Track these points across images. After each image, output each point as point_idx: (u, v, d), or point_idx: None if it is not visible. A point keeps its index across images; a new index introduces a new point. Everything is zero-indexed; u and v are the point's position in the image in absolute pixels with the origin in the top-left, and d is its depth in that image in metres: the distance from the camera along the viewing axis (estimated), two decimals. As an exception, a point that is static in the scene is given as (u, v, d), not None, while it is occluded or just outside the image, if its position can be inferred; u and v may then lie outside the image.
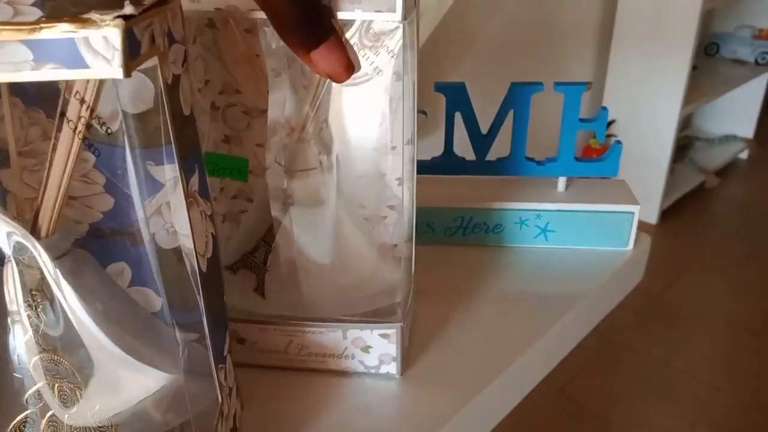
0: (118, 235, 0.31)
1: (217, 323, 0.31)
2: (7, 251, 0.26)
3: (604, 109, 0.49)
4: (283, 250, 0.37)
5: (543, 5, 0.61)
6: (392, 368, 0.38)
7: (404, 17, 0.30)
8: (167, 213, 0.29)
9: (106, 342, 0.27)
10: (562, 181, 0.51)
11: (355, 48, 0.33)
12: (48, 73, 0.22)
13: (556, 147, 0.50)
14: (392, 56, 0.33)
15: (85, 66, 0.22)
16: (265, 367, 0.39)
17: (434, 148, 0.50)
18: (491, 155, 0.50)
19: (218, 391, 0.31)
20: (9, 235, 0.26)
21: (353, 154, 0.39)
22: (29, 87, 0.28)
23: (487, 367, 0.40)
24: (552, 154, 0.50)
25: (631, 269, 0.52)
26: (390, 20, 0.31)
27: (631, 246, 0.51)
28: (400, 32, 0.32)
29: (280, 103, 0.36)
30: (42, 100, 0.28)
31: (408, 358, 0.39)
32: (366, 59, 0.33)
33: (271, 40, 0.35)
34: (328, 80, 0.34)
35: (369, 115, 0.38)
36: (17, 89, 0.28)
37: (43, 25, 0.21)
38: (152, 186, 0.29)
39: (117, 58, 0.21)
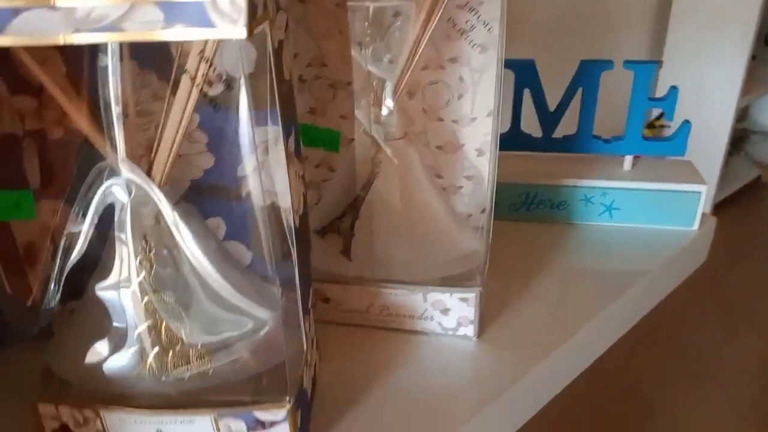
0: (215, 192, 0.33)
1: (304, 277, 0.33)
2: (125, 199, 0.29)
3: (674, 88, 0.49)
4: (369, 216, 0.39)
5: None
6: (469, 330, 0.40)
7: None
8: (265, 172, 0.31)
9: (219, 280, 0.29)
10: (628, 160, 0.52)
11: (451, 20, 0.34)
12: (178, 33, 0.24)
13: (622, 126, 0.51)
14: (488, 29, 0.34)
15: (212, 26, 0.24)
16: (347, 325, 0.41)
17: (501, 124, 0.51)
18: (558, 132, 0.51)
19: (304, 341, 0.33)
20: (129, 182, 0.29)
21: (434, 125, 0.41)
22: (144, 50, 0.30)
23: (552, 337, 0.41)
24: (617, 132, 0.51)
25: (695, 249, 0.53)
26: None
27: (696, 226, 0.52)
28: (498, 5, 0.33)
29: (365, 76, 0.38)
30: (154, 62, 0.31)
31: (483, 322, 0.41)
32: (458, 31, 0.35)
33: (358, 15, 0.37)
34: (417, 55, 0.36)
35: (451, 88, 0.39)
36: (132, 52, 0.31)
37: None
38: (252, 146, 0.31)
39: (242, 19, 0.23)
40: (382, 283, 0.39)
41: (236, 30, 0.23)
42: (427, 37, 0.36)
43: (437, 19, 0.35)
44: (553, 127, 0.51)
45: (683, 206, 0.51)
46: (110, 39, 0.23)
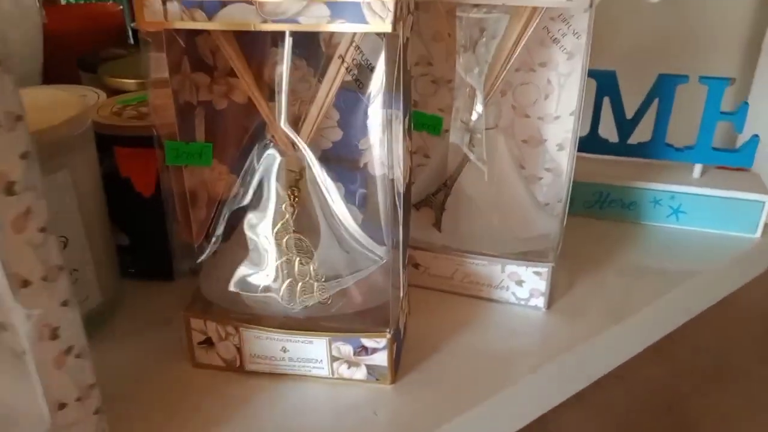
0: (339, 161, 0.40)
1: (405, 238, 0.40)
2: (279, 157, 0.36)
3: (746, 103, 0.53)
4: (459, 194, 0.45)
5: (688, 6, 0.65)
6: (540, 302, 0.45)
7: (591, 4, 0.37)
8: (382, 146, 0.38)
9: (345, 225, 0.36)
10: (698, 168, 0.56)
11: (546, 28, 0.41)
12: (339, 26, 0.31)
13: (693, 136, 0.55)
14: (576, 37, 0.40)
15: (365, 22, 0.31)
16: (433, 290, 0.47)
17: (580, 127, 0.57)
18: (633, 139, 0.56)
19: (401, 290, 0.40)
20: (283, 145, 0.36)
21: (521, 121, 0.47)
22: (299, 40, 0.38)
23: (611, 317, 0.46)
24: (688, 142, 0.56)
25: (756, 255, 0.56)
26: (578, 7, 0.38)
27: (758, 234, 0.55)
28: (586, 16, 0.39)
29: (465, 74, 0.45)
30: (306, 51, 0.38)
31: (553, 294, 0.46)
32: (551, 38, 0.41)
33: (464, 21, 0.44)
34: (514, 56, 0.42)
35: (539, 88, 0.45)
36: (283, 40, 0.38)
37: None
38: (374, 124, 0.38)
39: (389, 17, 0.30)
40: (466, 253, 0.45)
41: (384, 25, 0.30)
42: (522, 44, 0.42)
43: (532, 28, 0.41)
44: (629, 133, 0.56)
45: (747, 214, 0.55)
46: (288, 29, 0.31)
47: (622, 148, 0.57)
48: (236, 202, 0.38)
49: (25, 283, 0.26)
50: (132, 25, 0.92)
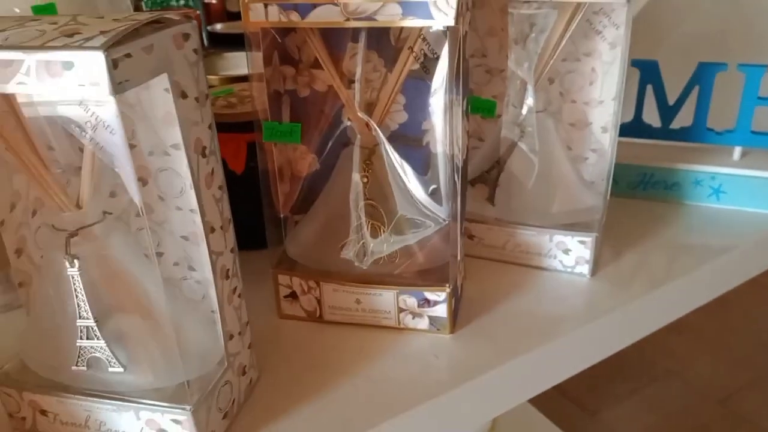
0: (404, 141, 0.46)
1: (462, 209, 0.45)
2: (354, 138, 0.43)
3: (783, 88, 0.57)
4: (510, 171, 0.50)
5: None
6: (585, 269, 0.50)
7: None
8: (443, 127, 0.44)
9: (414, 192, 0.42)
10: (737, 150, 0.60)
11: (588, 21, 0.46)
12: (409, 22, 0.37)
13: (734, 120, 0.59)
14: (616, 28, 0.45)
15: (431, 18, 0.37)
16: (486, 259, 0.53)
17: (624, 115, 0.61)
18: (675, 124, 0.60)
19: (458, 253, 0.45)
20: (359, 125, 0.42)
21: (568, 106, 0.52)
22: (372, 35, 0.44)
23: (652, 283, 0.50)
24: (729, 126, 0.59)
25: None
26: (618, 3, 0.43)
27: (797, 212, 0.58)
28: (625, 9, 0.44)
29: (516, 68, 0.50)
30: (376, 45, 0.44)
31: (597, 263, 0.51)
32: (594, 31, 0.46)
33: (515, 17, 0.49)
34: (560, 47, 0.47)
35: (584, 75, 0.50)
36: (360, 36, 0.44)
37: (419, -8, 0.36)
38: (437, 107, 0.43)
39: (452, 13, 0.36)
40: (517, 225, 0.51)
41: (448, 20, 0.36)
42: (567, 36, 0.47)
43: (576, 22, 0.46)
44: (671, 118, 0.60)
45: (786, 193, 0.58)
46: (367, 25, 0.37)
47: (664, 133, 0.61)
48: (317, 176, 0.44)
49: (212, 230, 0.34)
50: (208, 28, 1.00)
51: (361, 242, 0.44)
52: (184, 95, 0.30)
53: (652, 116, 0.61)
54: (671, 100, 0.59)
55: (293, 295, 0.46)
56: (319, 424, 0.38)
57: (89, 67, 0.25)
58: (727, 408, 1.44)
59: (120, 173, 0.29)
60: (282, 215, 0.47)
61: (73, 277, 0.32)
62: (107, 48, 0.25)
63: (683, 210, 0.61)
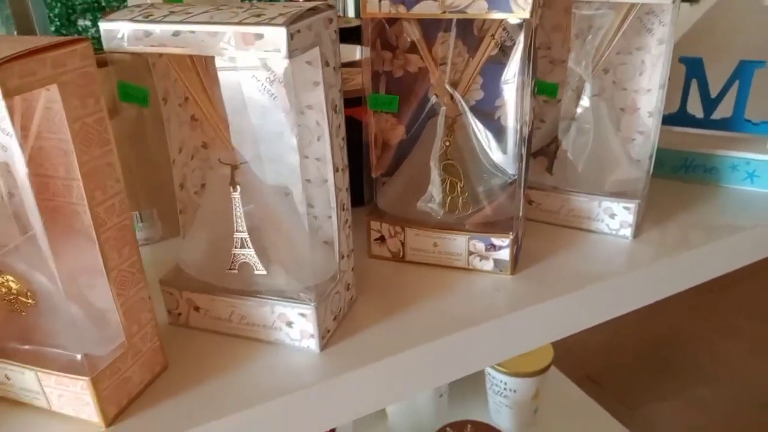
0: (480, 115, 0.56)
1: (526, 173, 0.54)
2: (441, 106, 0.53)
3: (815, 85, 0.64)
4: (567, 145, 0.59)
5: None
6: (628, 232, 0.59)
7: (674, 0, 0.51)
8: (513, 103, 0.53)
9: (489, 153, 0.52)
10: (772, 140, 0.67)
11: (640, 19, 0.55)
12: (493, 15, 0.47)
13: (771, 113, 0.66)
14: (663, 26, 0.54)
15: (511, 11, 0.46)
16: (542, 222, 0.62)
17: (670, 107, 0.69)
18: (716, 115, 0.68)
19: (521, 209, 0.54)
20: (445, 99, 0.52)
21: (619, 93, 0.60)
22: (459, 25, 0.53)
23: (686, 245, 0.58)
24: (765, 117, 0.67)
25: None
26: (665, 3, 0.52)
27: (825, 196, 0.65)
28: (671, 9, 0.53)
29: (577, 57, 0.59)
30: (461, 33, 0.53)
31: (639, 228, 0.59)
32: (646, 29, 0.55)
33: (577, 16, 0.58)
34: (614, 42, 0.56)
35: (635, 67, 0.59)
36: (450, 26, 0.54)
37: (504, -8, 0.45)
38: (509, 87, 0.53)
39: (529, 8, 0.46)
40: (571, 191, 0.60)
41: (525, 14, 0.45)
42: (621, 33, 0.56)
43: (629, 21, 0.55)
44: (713, 110, 0.68)
45: (815, 179, 0.65)
46: (460, 17, 0.47)
47: (707, 123, 0.68)
48: (404, 144, 0.54)
49: (336, 170, 0.44)
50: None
51: (441, 195, 0.53)
52: (327, 64, 0.41)
53: (695, 107, 0.69)
54: (713, 93, 0.67)
55: (381, 239, 0.56)
56: (402, 335, 0.47)
57: (275, 38, 0.36)
58: (769, 412, 1.48)
59: (285, 119, 0.40)
60: (374, 176, 0.57)
61: (234, 199, 0.43)
62: (288, 25, 0.35)
63: (720, 191, 0.68)
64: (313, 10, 0.39)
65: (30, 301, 0.39)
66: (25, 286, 0.39)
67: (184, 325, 0.48)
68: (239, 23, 0.36)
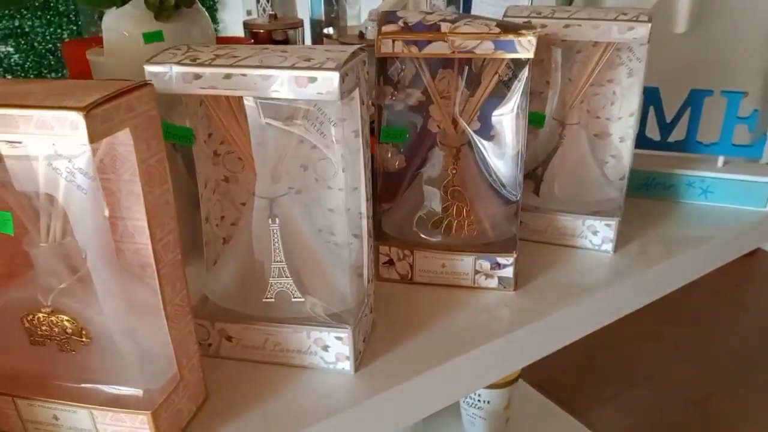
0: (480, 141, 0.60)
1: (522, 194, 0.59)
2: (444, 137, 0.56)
3: (756, 110, 0.72)
4: (552, 170, 0.65)
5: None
6: (609, 247, 0.64)
7: (648, 40, 0.57)
8: (510, 131, 0.57)
9: (500, 178, 0.56)
10: (721, 159, 0.75)
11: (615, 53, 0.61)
12: (499, 55, 0.51)
13: (718, 135, 0.74)
14: (638, 61, 0.60)
15: (516, 52, 0.51)
16: (530, 241, 0.66)
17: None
18: (671, 138, 0.75)
19: (516, 231, 0.59)
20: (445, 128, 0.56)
21: (593, 120, 0.66)
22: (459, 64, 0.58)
23: (656, 258, 0.64)
24: (714, 139, 0.74)
25: (765, 222, 0.74)
26: (639, 42, 0.58)
27: (767, 207, 0.74)
28: (645, 48, 0.59)
29: (556, 88, 0.64)
30: (462, 71, 0.58)
31: (618, 242, 0.65)
32: (618, 63, 0.61)
33: (557, 52, 0.63)
34: (593, 76, 0.62)
35: (606, 97, 0.65)
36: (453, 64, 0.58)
37: (509, 32, 0.50)
38: (506, 117, 0.57)
39: (532, 48, 0.50)
40: (556, 212, 0.65)
41: (529, 54, 0.50)
42: (599, 69, 0.62)
43: (607, 56, 0.61)
44: (669, 133, 0.75)
45: (758, 193, 0.73)
46: (468, 56, 0.51)
47: (663, 145, 0.76)
48: (402, 172, 0.58)
49: (367, 200, 0.47)
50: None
51: (447, 220, 0.57)
52: (362, 102, 0.44)
53: (653, 131, 0.76)
54: (668, 119, 0.75)
55: (390, 262, 0.59)
56: (425, 354, 0.50)
57: (329, 82, 0.38)
58: (701, 409, 1.60)
59: (328, 152, 0.42)
60: (384, 205, 0.60)
61: (273, 231, 0.45)
62: (340, 69, 0.38)
63: (678, 206, 0.75)
64: (354, 54, 0.42)
65: (84, 340, 0.39)
66: (80, 326, 0.39)
67: (215, 355, 0.49)
68: (292, 67, 0.39)
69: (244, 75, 0.39)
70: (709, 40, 0.89)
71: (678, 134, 0.76)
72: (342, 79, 0.39)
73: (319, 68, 0.39)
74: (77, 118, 0.31)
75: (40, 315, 0.39)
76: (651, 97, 0.74)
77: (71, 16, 2.27)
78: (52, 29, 2.31)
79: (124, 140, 0.35)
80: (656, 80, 0.74)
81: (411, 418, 0.50)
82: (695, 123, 0.74)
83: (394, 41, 0.51)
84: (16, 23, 2.15)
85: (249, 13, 1.28)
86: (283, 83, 0.39)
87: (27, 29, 2.26)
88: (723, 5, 0.87)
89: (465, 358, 0.50)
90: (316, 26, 1.13)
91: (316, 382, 0.47)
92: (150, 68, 0.41)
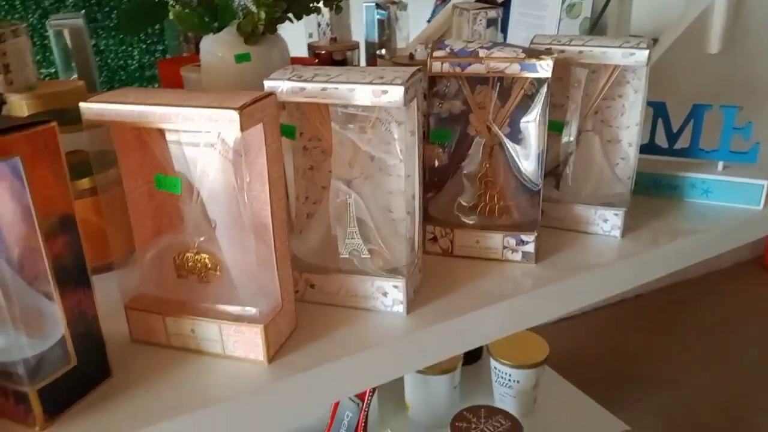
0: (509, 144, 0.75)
1: (542, 186, 0.73)
2: (481, 139, 0.71)
3: (750, 122, 0.85)
4: (568, 168, 0.79)
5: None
6: (618, 233, 0.78)
7: (647, 63, 0.71)
8: (532, 136, 0.72)
9: (524, 172, 0.70)
10: (720, 164, 0.87)
11: (622, 72, 0.75)
12: (524, 74, 0.66)
13: (718, 143, 0.87)
14: (639, 80, 0.74)
15: (537, 72, 0.65)
16: (551, 228, 0.80)
17: (643, 138, 0.89)
18: (677, 145, 0.88)
19: (539, 214, 0.73)
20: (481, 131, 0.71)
21: (606, 128, 0.80)
22: (494, 80, 0.72)
23: (660, 242, 0.78)
24: (714, 147, 0.87)
25: (760, 219, 0.86)
26: (639, 65, 0.72)
27: (761, 206, 0.86)
28: (645, 70, 0.73)
29: (574, 101, 0.78)
30: (495, 87, 0.73)
31: (625, 230, 0.78)
32: (625, 80, 0.75)
33: (574, 71, 0.77)
34: (604, 90, 0.76)
35: (617, 109, 0.79)
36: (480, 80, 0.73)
37: (532, 56, 0.65)
38: (531, 123, 0.72)
39: (550, 69, 0.65)
40: (573, 203, 0.78)
41: (547, 73, 0.65)
42: (608, 86, 0.76)
43: (615, 76, 0.75)
44: (675, 141, 0.88)
45: (754, 192, 0.85)
46: (500, 75, 0.66)
47: (670, 151, 0.89)
48: (443, 167, 0.73)
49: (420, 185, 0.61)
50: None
51: (482, 204, 0.72)
52: (418, 109, 0.59)
53: (661, 139, 0.89)
54: (675, 129, 0.88)
55: (434, 238, 0.74)
56: (457, 303, 0.65)
57: (395, 93, 0.54)
58: (726, 414, 1.68)
59: (391, 147, 0.58)
60: (428, 195, 0.75)
61: (350, 204, 0.61)
62: (404, 84, 0.54)
63: (682, 204, 0.88)
64: (414, 74, 0.57)
65: (218, 273, 0.56)
66: (216, 263, 0.55)
67: (301, 300, 0.65)
68: (370, 83, 0.55)
69: (336, 88, 0.55)
70: (741, 60, 1.02)
71: (683, 142, 0.88)
72: (406, 91, 0.54)
73: (390, 83, 0.54)
74: (234, 115, 0.47)
75: (188, 254, 0.56)
76: (659, 111, 0.88)
77: (141, 36, 2.51)
78: (123, 47, 2.56)
79: (252, 131, 0.51)
80: (692, 98, 0.87)
81: (451, 351, 0.64)
82: (697, 133, 0.87)
83: (442, 63, 0.67)
84: (93, 42, 2.40)
85: (310, 35, 1.45)
86: (364, 94, 0.55)
87: (102, 47, 2.51)
88: (755, 26, 1.00)
89: (493, 308, 0.65)
90: (370, 48, 1.28)
91: (377, 321, 0.62)
92: (269, 83, 0.57)
